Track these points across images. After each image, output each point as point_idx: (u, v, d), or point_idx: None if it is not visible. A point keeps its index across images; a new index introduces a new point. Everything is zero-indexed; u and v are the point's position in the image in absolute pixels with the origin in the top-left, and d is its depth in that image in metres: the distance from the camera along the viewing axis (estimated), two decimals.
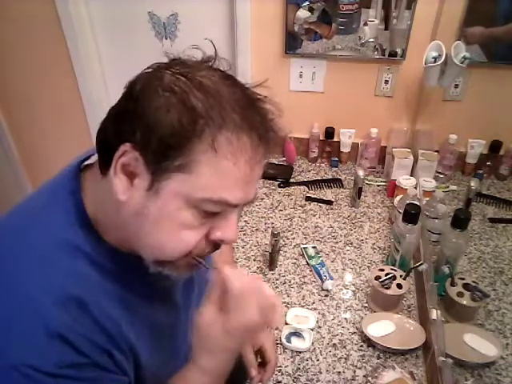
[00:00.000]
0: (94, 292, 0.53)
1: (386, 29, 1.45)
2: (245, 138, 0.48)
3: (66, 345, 0.48)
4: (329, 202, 1.49)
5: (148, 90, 0.48)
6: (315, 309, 1.10)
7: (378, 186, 1.58)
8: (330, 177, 1.63)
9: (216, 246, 0.56)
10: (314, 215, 1.44)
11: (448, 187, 1.31)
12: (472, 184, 1.11)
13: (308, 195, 1.53)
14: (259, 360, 0.86)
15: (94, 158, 0.56)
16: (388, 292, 1.03)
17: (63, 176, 0.57)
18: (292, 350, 1.00)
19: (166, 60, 0.52)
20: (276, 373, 0.94)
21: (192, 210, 0.50)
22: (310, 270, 1.22)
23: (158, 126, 0.46)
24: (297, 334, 1.02)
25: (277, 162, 1.69)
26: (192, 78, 0.48)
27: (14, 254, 0.52)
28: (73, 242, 0.53)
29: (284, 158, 1.69)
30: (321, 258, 1.23)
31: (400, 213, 1.14)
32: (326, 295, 1.14)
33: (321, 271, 1.18)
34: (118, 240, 0.56)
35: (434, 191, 1.29)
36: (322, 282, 1.15)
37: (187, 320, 0.75)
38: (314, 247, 1.28)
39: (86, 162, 0.58)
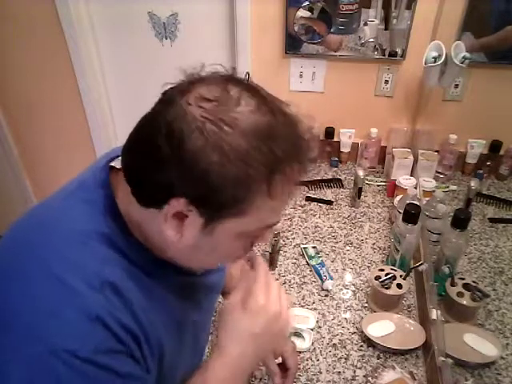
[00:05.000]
0: (125, 279, 0.53)
1: (386, 29, 1.45)
2: (289, 172, 0.49)
3: (104, 328, 0.48)
4: (329, 202, 1.49)
5: (194, 146, 0.45)
6: (315, 309, 1.10)
7: (378, 185, 1.58)
8: (330, 177, 1.63)
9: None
10: (314, 215, 1.44)
11: (448, 187, 1.31)
12: (472, 184, 1.11)
13: (308, 195, 1.53)
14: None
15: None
16: (388, 292, 1.03)
17: (93, 170, 0.59)
18: None
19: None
20: None
21: (243, 240, 0.56)
22: (310, 270, 1.21)
23: (214, 182, 0.46)
24: (297, 333, 1.02)
25: None
26: (233, 123, 0.46)
27: (46, 242, 0.52)
28: (102, 232, 0.54)
29: None
30: (321, 258, 1.23)
31: (400, 213, 1.14)
32: (326, 295, 1.14)
33: (321, 271, 1.18)
34: (149, 244, 0.57)
35: (434, 191, 1.29)
36: (322, 282, 1.15)
37: (209, 323, 0.79)
38: (314, 247, 1.28)
39: (113, 163, 0.58)
